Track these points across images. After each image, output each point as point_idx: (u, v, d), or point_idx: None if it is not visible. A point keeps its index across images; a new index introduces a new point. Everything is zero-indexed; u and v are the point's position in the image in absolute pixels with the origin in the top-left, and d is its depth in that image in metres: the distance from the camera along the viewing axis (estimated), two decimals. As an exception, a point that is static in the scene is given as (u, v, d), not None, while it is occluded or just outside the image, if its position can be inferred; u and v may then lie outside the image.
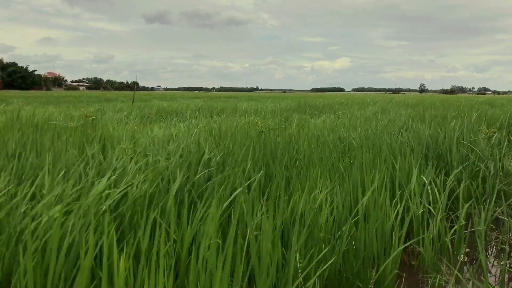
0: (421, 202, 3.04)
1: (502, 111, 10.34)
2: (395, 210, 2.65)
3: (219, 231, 1.96)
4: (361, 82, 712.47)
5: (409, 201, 2.99)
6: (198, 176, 2.73)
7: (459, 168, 3.85)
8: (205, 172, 2.78)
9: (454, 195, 3.61)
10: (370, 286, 2.29)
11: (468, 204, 3.13)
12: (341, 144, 4.53)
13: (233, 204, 2.30)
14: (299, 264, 1.91)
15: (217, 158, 3.19)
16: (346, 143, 4.57)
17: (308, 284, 1.84)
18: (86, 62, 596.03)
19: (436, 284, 2.53)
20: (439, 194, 3.22)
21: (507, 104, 15.97)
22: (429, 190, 3.18)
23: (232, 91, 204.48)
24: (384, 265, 2.28)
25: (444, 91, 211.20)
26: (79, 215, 1.82)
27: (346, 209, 2.47)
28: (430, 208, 3.05)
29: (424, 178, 3.30)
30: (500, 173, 3.98)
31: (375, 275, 2.32)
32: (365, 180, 2.91)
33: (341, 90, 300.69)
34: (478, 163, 4.13)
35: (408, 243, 2.60)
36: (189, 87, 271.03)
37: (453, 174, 3.57)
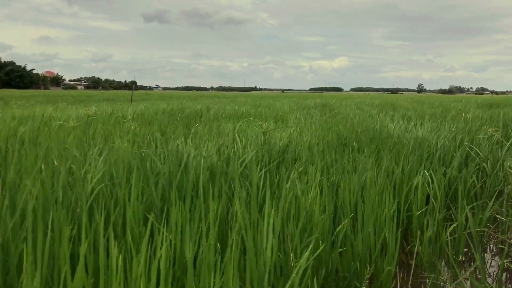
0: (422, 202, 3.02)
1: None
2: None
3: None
4: (360, 81, 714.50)
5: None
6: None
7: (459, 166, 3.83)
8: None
9: (451, 191, 3.60)
10: (365, 282, 2.27)
11: (471, 206, 3.11)
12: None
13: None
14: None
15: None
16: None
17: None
18: (84, 61, 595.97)
19: (435, 283, 2.50)
20: (439, 192, 3.20)
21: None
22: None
23: (231, 91, 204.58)
24: (376, 254, 2.26)
25: (442, 91, 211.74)
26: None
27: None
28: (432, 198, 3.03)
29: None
30: (500, 173, 3.96)
31: (370, 272, 2.30)
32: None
33: (340, 89, 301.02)
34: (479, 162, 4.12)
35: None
36: (187, 87, 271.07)
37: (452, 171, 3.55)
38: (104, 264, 1.49)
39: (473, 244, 2.74)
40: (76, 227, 1.93)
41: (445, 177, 3.67)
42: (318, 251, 1.97)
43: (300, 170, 3.12)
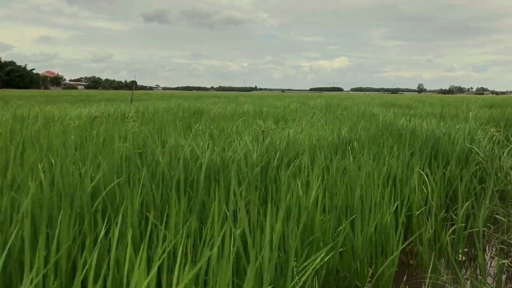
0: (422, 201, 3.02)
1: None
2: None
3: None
4: (360, 81, 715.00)
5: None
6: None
7: (458, 164, 3.83)
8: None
9: (451, 191, 3.60)
10: (367, 285, 2.27)
11: (467, 203, 3.11)
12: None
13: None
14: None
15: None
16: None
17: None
18: (84, 61, 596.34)
19: (435, 283, 2.51)
20: (438, 192, 3.20)
21: None
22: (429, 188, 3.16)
23: (231, 91, 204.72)
24: (382, 267, 2.26)
25: (443, 91, 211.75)
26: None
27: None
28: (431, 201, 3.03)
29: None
30: (499, 173, 3.96)
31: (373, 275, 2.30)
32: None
33: (340, 90, 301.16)
34: (479, 160, 4.12)
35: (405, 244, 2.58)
36: (187, 87, 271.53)
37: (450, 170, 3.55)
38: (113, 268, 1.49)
39: (475, 243, 2.74)
40: (77, 226, 1.93)
41: (444, 176, 3.67)
42: (311, 249, 1.96)
43: (303, 169, 3.12)
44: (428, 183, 3.23)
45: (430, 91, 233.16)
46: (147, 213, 2.19)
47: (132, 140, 4.02)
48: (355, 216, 2.39)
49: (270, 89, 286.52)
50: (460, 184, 3.46)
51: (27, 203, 1.67)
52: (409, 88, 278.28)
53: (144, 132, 4.80)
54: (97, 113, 6.39)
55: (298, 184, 2.44)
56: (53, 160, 2.57)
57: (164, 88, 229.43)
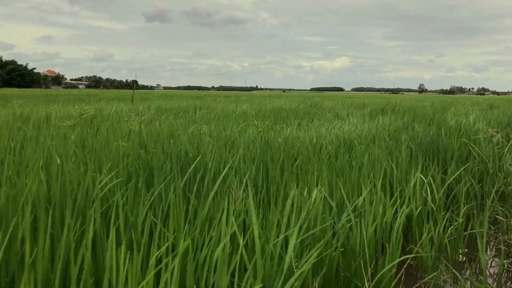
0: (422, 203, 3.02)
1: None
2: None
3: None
4: (360, 81, 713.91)
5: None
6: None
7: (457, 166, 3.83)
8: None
9: (452, 194, 3.60)
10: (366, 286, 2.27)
11: (469, 206, 3.11)
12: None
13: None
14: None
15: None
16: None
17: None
18: (85, 60, 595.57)
19: (435, 284, 2.51)
20: (438, 192, 3.20)
21: None
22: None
23: (232, 90, 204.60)
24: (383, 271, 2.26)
25: (444, 91, 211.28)
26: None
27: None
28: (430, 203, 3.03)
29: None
30: (499, 174, 3.96)
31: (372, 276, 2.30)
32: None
33: (341, 89, 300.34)
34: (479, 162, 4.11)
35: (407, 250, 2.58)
36: (188, 86, 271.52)
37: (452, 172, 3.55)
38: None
39: (474, 244, 2.74)
40: (79, 226, 1.94)
41: (445, 175, 3.67)
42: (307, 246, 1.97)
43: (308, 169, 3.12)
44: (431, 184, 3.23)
45: (431, 91, 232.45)
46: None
47: (133, 139, 4.02)
48: (356, 215, 2.39)
49: (271, 89, 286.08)
50: (460, 184, 3.45)
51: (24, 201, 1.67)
52: (410, 88, 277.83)
53: (146, 131, 4.81)
54: (83, 113, 6.33)
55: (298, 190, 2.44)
56: (58, 160, 2.58)
57: (165, 88, 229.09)
